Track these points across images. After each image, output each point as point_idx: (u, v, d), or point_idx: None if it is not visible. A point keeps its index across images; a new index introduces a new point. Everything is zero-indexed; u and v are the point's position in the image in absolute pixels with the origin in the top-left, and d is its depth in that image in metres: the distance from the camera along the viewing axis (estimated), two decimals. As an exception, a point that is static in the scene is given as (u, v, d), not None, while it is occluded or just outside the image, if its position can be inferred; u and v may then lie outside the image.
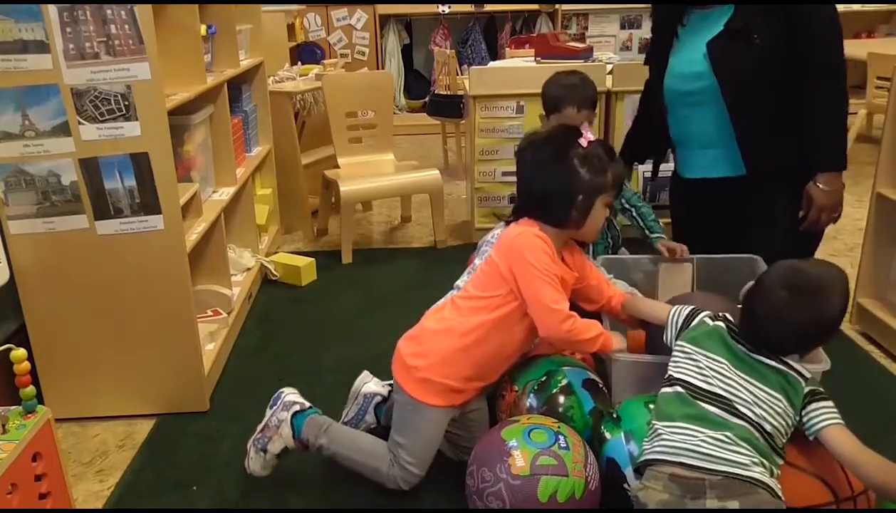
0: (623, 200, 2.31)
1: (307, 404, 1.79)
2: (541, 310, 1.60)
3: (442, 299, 1.96)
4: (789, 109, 2.06)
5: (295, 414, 1.73)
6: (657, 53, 2.31)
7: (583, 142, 1.62)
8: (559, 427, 1.52)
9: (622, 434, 1.53)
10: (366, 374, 1.94)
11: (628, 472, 1.49)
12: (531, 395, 1.68)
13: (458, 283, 2.04)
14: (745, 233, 2.21)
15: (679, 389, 1.43)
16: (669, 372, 1.48)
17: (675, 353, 1.51)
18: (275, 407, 1.77)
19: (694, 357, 1.46)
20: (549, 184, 1.63)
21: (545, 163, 1.64)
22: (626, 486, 1.49)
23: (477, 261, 2.07)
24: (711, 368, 1.43)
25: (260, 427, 1.76)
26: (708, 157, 2.22)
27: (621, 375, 1.72)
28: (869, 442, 1.47)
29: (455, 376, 1.65)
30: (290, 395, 1.79)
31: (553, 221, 1.64)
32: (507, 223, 1.97)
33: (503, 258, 1.64)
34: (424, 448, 1.66)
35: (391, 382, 1.84)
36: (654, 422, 1.43)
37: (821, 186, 2.07)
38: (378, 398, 1.88)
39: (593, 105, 2.27)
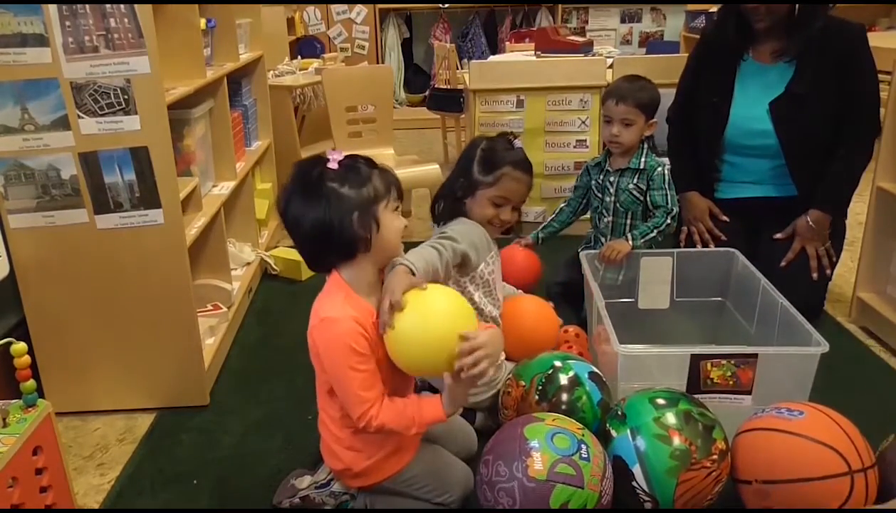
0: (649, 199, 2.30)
1: None
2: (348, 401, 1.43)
3: None
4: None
5: None
6: (704, 92, 2.41)
7: (331, 165, 1.42)
8: (583, 435, 1.48)
9: (628, 431, 1.50)
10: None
11: (636, 470, 1.46)
12: (539, 388, 1.68)
13: None
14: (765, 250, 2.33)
15: None
16: None
17: None
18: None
19: None
20: (319, 221, 1.40)
21: (303, 203, 1.42)
22: (633, 484, 1.47)
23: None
24: None
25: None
26: (755, 189, 2.40)
27: (613, 369, 1.72)
28: (869, 437, 1.48)
29: (376, 452, 1.51)
30: None
31: (346, 256, 1.44)
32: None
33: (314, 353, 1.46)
34: (436, 481, 1.57)
35: None
36: None
37: (810, 221, 2.27)
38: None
39: (639, 106, 2.24)
